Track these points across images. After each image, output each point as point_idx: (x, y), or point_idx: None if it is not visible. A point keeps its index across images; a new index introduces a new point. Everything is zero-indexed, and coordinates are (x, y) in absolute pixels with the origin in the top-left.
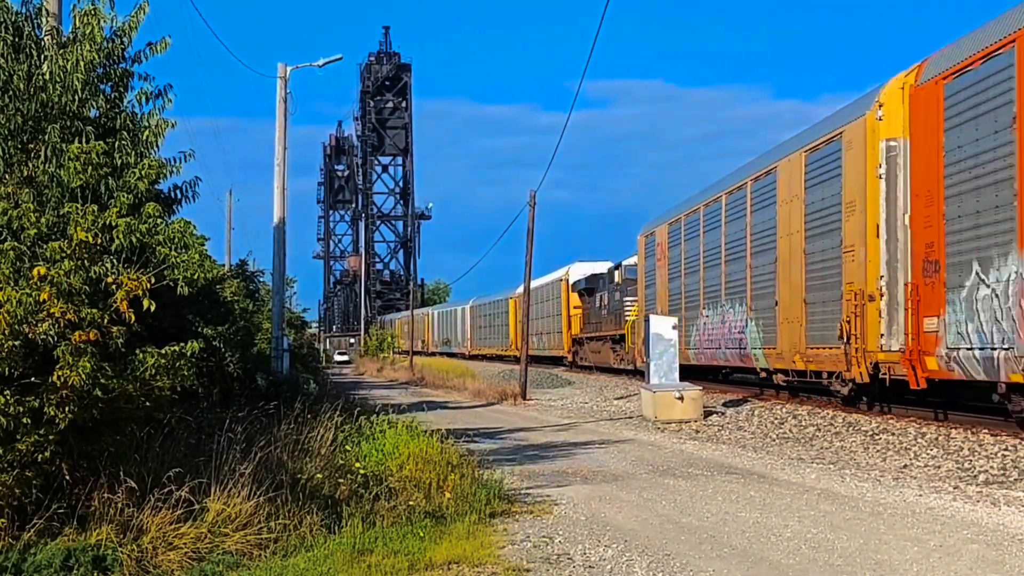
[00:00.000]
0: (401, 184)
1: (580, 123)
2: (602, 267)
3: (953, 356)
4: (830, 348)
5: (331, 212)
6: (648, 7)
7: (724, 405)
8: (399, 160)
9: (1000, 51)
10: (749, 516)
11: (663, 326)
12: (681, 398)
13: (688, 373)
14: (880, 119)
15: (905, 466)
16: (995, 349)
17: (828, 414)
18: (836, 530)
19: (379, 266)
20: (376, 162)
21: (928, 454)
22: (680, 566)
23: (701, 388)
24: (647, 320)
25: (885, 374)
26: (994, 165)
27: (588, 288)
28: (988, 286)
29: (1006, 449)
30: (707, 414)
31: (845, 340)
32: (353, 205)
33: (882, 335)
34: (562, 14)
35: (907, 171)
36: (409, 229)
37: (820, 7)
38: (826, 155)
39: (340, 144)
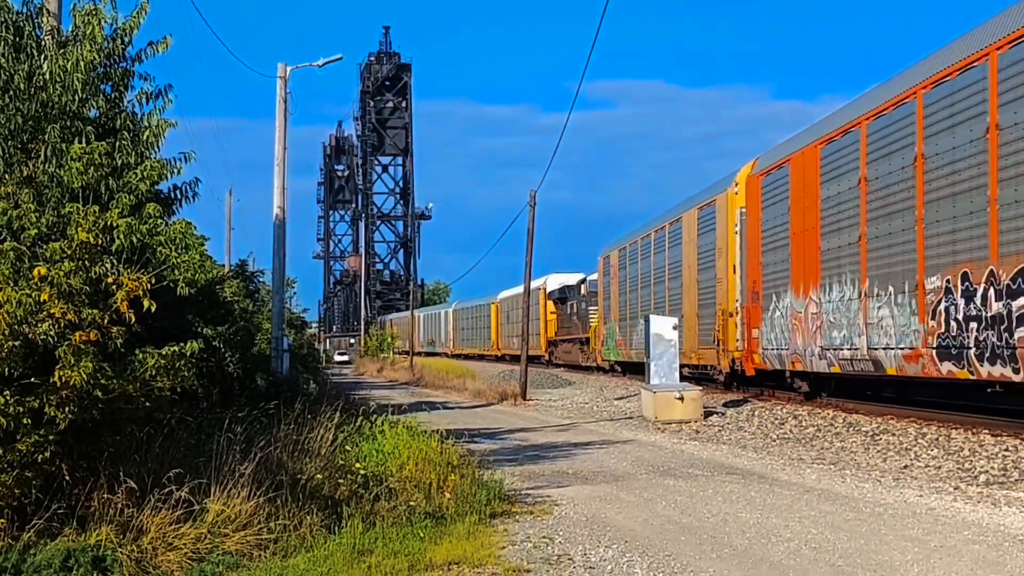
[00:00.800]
0: (401, 184)
1: (581, 124)
2: (573, 279)
3: (765, 354)
4: (711, 348)
5: (331, 212)
6: (649, 8)
7: (724, 405)
8: (399, 160)
9: (785, 164)
10: (749, 517)
11: (663, 326)
12: (681, 398)
13: (631, 368)
14: (736, 193)
15: (905, 466)
16: (783, 350)
17: (828, 415)
18: (837, 531)
19: (379, 266)
20: (376, 162)
21: (928, 454)
22: (680, 567)
23: (701, 388)
24: (647, 320)
25: (738, 367)
26: (783, 234)
27: (561, 297)
28: (779, 310)
29: (1007, 450)
30: (707, 414)
31: (716, 343)
32: (353, 205)
33: (737, 340)
34: (563, 15)
35: (748, 231)
36: (409, 229)
37: (820, 7)
38: (708, 213)
39: (340, 144)
